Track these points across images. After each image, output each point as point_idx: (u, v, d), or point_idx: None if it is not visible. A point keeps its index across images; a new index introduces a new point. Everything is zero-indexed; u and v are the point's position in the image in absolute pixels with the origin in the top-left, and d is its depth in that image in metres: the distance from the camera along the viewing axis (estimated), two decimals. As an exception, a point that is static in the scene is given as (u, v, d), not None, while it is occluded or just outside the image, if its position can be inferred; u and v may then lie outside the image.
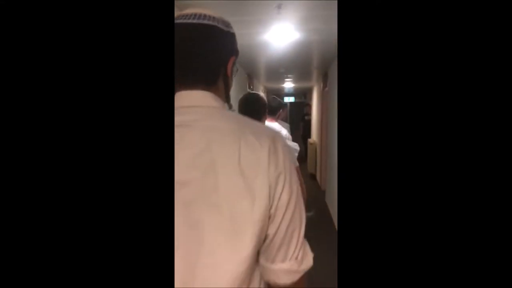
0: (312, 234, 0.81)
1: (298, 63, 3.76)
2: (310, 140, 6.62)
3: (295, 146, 1.63)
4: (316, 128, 6.31)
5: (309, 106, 7.83)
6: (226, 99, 0.60)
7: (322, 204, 4.44)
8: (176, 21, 0.55)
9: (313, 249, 0.56)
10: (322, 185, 5.23)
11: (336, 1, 0.55)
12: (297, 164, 1.55)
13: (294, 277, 0.52)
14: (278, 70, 4.58)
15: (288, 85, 6.87)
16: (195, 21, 0.55)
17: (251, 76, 4.90)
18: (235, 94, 3.42)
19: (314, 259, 0.55)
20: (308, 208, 1.40)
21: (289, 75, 5.28)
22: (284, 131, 2.54)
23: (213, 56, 0.56)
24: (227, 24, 0.59)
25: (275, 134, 0.54)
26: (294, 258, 0.52)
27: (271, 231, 0.51)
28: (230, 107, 0.62)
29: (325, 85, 4.74)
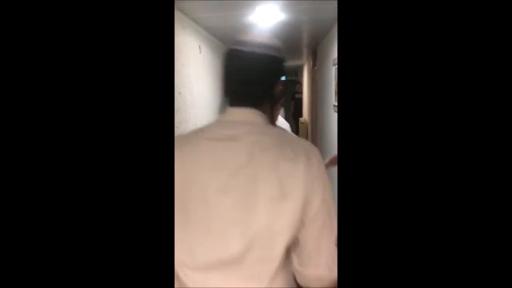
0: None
1: (286, 42, 3.68)
2: (301, 119, 6.61)
3: (286, 126, 1.63)
4: (307, 107, 6.30)
5: (300, 84, 7.74)
6: (271, 117, 0.66)
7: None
8: (233, 47, 0.61)
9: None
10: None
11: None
12: None
13: (324, 283, 0.56)
14: None
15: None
16: (249, 49, 0.60)
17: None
18: (215, 68, 3.36)
19: None
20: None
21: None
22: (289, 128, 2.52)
23: (262, 81, 0.61)
24: (279, 50, 0.63)
25: (310, 148, 0.59)
26: (325, 265, 0.55)
27: (303, 237, 0.55)
28: (275, 125, 0.67)
29: (314, 64, 4.68)
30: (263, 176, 0.54)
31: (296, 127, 6.76)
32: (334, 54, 2.81)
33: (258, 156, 0.55)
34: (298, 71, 9.16)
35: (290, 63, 7.03)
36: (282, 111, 2.58)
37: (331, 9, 2.20)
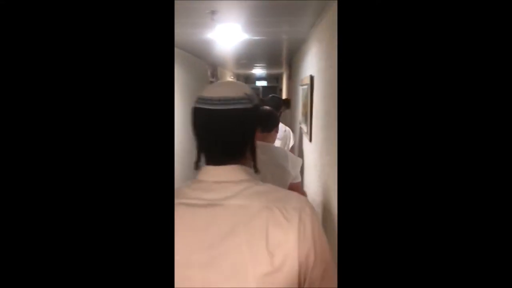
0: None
1: (265, 51, 3.63)
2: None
3: (299, 161, 1.57)
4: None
5: (281, 91, 7.75)
6: (254, 168, 0.61)
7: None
8: (200, 105, 0.57)
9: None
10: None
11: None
12: (300, 179, 1.49)
13: None
14: (242, 61, 4.43)
15: (258, 71, 6.72)
16: (220, 107, 0.55)
17: (214, 65, 4.72)
18: (195, 84, 3.28)
19: None
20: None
21: (256, 64, 5.14)
22: (290, 133, 2.45)
23: (238, 138, 0.57)
24: (249, 98, 0.59)
25: (303, 206, 0.55)
26: None
27: None
28: (258, 172, 0.63)
29: (290, 76, 4.66)
30: (251, 248, 0.50)
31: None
32: (303, 72, 2.78)
33: (244, 225, 0.51)
34: (278, 78, 9.17)
35: (270, 71, 7.00)
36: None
37: (291, 31, 2.16)
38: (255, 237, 0.50)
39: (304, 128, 2.44)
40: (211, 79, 4.47)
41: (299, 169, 1.50)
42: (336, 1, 0.53)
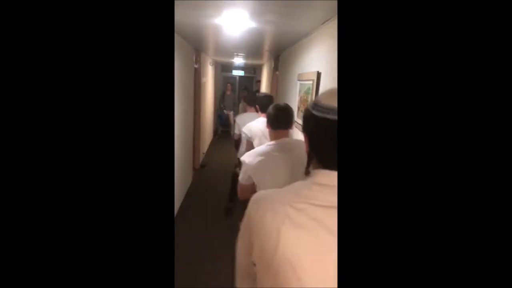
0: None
1: (249, 45, 3.55)
2: (257, 119, 6.57)
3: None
4: (264, 108, 6.25)
5: (259, 82, 7.69)
6: None
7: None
8: (323, 115, 0.58)
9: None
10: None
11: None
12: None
13: None
14: (228, 49, 4.30)
15: (238, 60, 6.59)
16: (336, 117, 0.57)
17: (198, 50, 4.54)
18: (181, 67, 3.13)
19: None
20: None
21: (239, 53, 5.02)
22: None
23: None
24: None
25: None
26: None
27: None
28: None
29: (276, 68, 4.62)
30: None
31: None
32: (301, 67, 2.76)
33: None
34: (256, 68, 9.09)
35: (250, 62, 6.91)
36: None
37: (298, 24, 2.13)
38: None
39: (300, 122, 2.45)
40: (195, 65, 4.30)
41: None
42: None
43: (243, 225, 0.65)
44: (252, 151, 1.43)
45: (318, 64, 2.17)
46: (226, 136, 7.67)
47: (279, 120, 1.44)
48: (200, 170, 4.96)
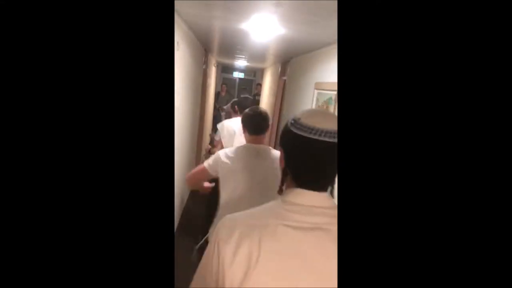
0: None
1: (254, 48, 3.53)
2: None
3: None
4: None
5: (260, 85, 7.69)
6: (332, 195, 0.64)
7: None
8: (301, 133, 0.58)
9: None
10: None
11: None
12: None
13: None
14: (232, 49, 4.27)
15: (241, 62, 6.57)
16: (325, 139, 0.57)
17: (206, 51, 4.50)
18: (193, 67, 3.10)
19: None
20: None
21: (242, 55, 5.00)
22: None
23: (335, 166, 0.59)
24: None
25: None
26: None
27: None
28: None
29: (283, 73, 4.63)
30: None
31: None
32: (314, 76, 2.77)
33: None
34: (256, 72, 9.09)
35: (252, 64, 6.90)
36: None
37: (322, 33, 2.14)
38: None
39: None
40: (203, 66, 4.27)
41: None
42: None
43: (209, 253, 0.59)
44: (229, 149, 1.42)
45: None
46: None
47: (255, 125, 1.41)
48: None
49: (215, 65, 6.63)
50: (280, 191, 0.64)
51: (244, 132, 1.48)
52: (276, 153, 1.41)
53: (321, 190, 0.59)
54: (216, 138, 2.36)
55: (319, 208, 0.57)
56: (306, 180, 0.59)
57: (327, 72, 2.52)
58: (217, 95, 7.76)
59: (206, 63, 4.56)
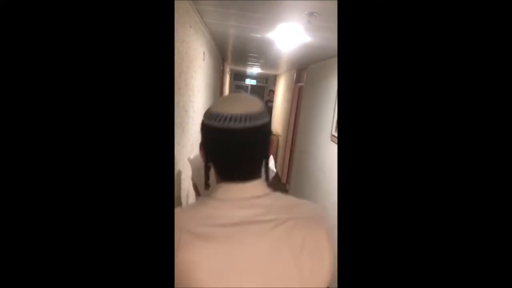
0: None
1: (272, 54, 3.56)
2: (272, 131, 6.58)
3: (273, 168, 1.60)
4: (280, 118, 6.29)
5: (272, 92, 7.73)
6: (267, 179, 0.60)
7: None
8: (214, 124, 0.53)
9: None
10: (282, 178, 5.28)
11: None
12: None
13: None
14: (247, 57, 4.32)
15: (255, 70, 6.64)
16: (248, 124, 0.52)
17: (223, 59, 4.58)
18: (214, 76, 3.15)
19: None
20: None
21: (257, 62, 5.05)
22: None
23: (263, 150, 0.56)
24: (265, 111, 0.56)
25: (324, 214, 0.58)
26: None
27: None
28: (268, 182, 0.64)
29: (298, 79, 4.66)
30: (295, 262, 0.50)
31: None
32: (335, 83, 2.78)
33: (285, 240, 0.51)
34: (268, 78, 9.14)
35: (265, 71, 6.96)
36: None
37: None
38: (296, 251, 0.51)
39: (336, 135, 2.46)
40: (221, 74, 4.33)
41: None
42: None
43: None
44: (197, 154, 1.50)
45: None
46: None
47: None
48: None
49: (229, 72, 6.71)
50: (207, 187, 0.59)
51: None
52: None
53: (251, 179, 0.55)
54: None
55: (249, 200, 0.53)
56: (229, 172, 0.55)
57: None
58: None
59: (223, 71, 4.63)
